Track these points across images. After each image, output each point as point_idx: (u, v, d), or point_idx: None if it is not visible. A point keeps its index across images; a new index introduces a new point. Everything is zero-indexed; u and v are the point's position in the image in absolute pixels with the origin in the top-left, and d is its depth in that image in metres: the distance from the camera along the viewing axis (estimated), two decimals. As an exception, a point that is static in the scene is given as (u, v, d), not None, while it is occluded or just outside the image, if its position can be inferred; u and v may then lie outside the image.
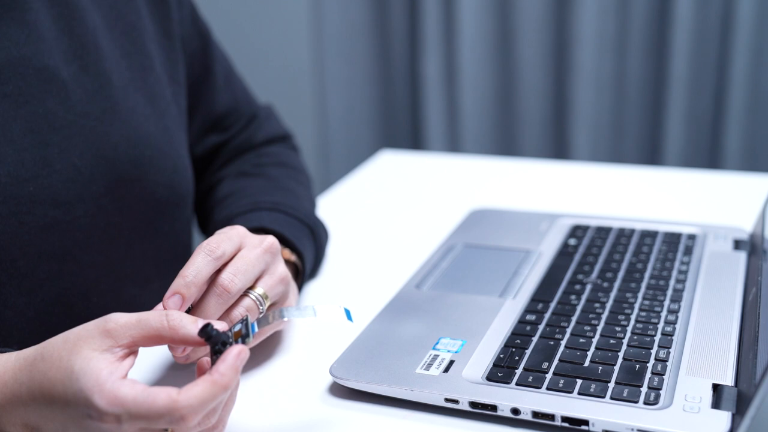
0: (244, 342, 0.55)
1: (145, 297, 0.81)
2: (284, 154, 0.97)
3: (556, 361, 0.65)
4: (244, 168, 0.93)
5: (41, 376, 0.53)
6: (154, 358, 0.70)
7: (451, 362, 0.66)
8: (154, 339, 0.54)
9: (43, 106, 0.72)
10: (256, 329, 0.56)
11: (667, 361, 0.65)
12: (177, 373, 0.69)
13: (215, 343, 0.54)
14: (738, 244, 0.87)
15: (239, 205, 0.83)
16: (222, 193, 0.89)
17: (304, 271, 0.80)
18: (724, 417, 0.57)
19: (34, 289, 0.72)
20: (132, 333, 0.53)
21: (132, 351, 0.54)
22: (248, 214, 0.80)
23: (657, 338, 0.68)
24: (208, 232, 0.97)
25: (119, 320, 0.54)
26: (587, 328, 0.70)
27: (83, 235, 0.74)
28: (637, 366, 0.64)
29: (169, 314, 0.54)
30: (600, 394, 0.60)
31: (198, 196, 0.94)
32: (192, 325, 0.54)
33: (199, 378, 0.52)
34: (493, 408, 0.61)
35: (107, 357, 0.52)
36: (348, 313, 0.60)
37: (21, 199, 0.69)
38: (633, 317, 0.72)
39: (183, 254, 0.88)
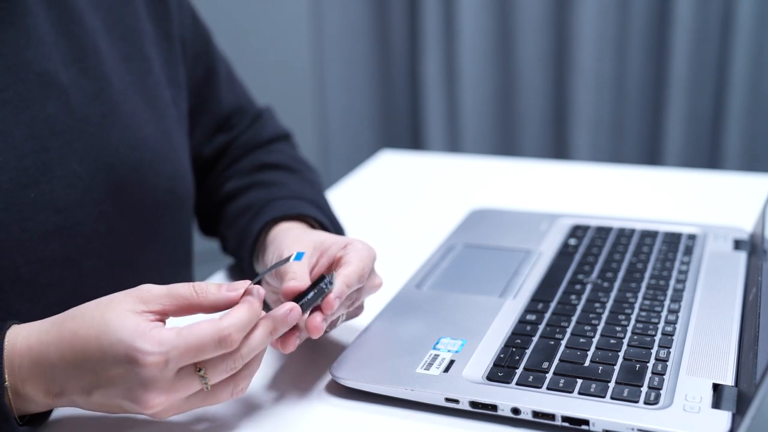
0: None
1: None
2: (292, 152, 0.97)
3: (556, 361, 0.65)
4: (266, 160, 0.92)
5: (71, 334, 0.55)
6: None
7: (452, 362, 0.66)
8: (184, 308, 0.57)
9: (43, 111, 0.71)
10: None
11: (667, 360, 0.65)
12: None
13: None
14: (738, 244, 0.87)
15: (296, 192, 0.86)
16: (264, 179, 0.89)
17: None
18: (724, 417, 0.57)
19: (37, 295, 0.71)
20: (163, 301, 0.57)
21: (161, 320, 0.57)
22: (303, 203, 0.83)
23: (657, 338, 0.68)
24: (211, 232, 0.97)
25: (151, 289, 0.57)
26: (587, 327, 0.70)
27: (85, 241, 0.74)
28: (638, 366, 0.64)
29: (196, 284, 0.58)
30: (600, 394, 0.60)
31: (202, 196, 0.94)
32: (217, 291, 0.58)
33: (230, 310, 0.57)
34: (494, 408, 0.61)
35: (140, 317, 0.55)
36: (299, 255, 0.65)
37: (23, 206, 0.69)
38: (633, 317, 0.72)
39: (183, 259, 0.88)
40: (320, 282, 0.63)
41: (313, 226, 0.80)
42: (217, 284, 0.59)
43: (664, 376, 0.62)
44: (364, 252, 0.68)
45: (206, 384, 0.56)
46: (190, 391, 0.56)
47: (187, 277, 0.90)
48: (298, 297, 0.63)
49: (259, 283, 0.61)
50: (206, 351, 0.55)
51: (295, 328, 0.62)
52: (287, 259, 0.64)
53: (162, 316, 0.57)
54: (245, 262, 0.81)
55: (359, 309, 0.72)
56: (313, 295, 0.63)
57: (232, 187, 0.90)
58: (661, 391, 0.61)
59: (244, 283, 0.59)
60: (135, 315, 0.55)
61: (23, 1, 0.71)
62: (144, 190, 0.79)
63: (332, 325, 0.68)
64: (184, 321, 0.58)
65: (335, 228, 0.83)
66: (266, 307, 0.63)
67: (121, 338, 0.54)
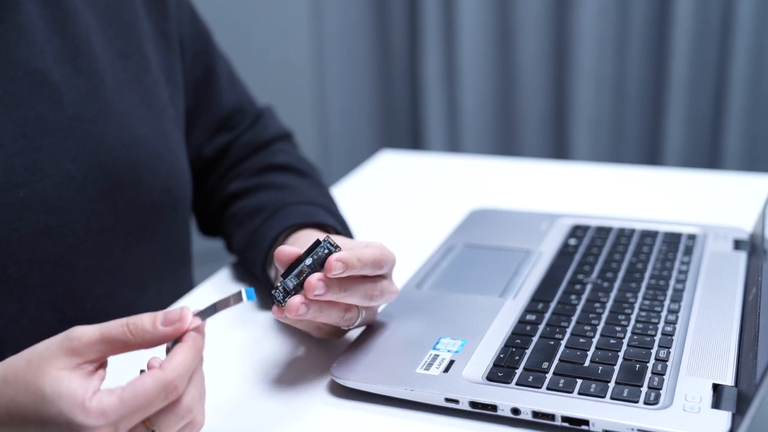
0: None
1: (142, 302, 0.80)
2: (296, 153, 0.97)
3: (556, 361, 0.65)
4: (272, 161, 0.92)
5: (8, 400, 0.51)
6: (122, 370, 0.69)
7: (452, 362, 0.66)
8: (119, 349, 0.53)
9: (34, 109, 0.71)
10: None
11: (667, 361, 0.65)
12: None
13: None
14: (738, 244, 0.87)
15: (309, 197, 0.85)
16: (273, 181, 0.89)
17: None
18: (724, 417, 0.57)
19: (26, 296, 0.71)
20: (98, 348, 0.52)
21: (101, 364, 0.53)
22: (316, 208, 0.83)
23: (657, 338, 0.68)
24: (211, 232, 0.97)
25: (82, 338, 0.52)
26: (587, 328, 0.70)
27: (77, 241, 0.73)
28: (638, 366, 0.64)
29: (129, 323, 0.53)
30: (600, 394, 0.60)
31: (202, 196, 0.94)
32: (152, 329, 0.53)
33: (171, 350, 0.53)
34: (494, 408, 0.61)
35: (77, 374, 0.51)
36: (249, 292, 0.56)
37: (12, 206, 0.68)
38: (633, 317, 0.72)
39: (180, 258, 0.88)
40: (316, 247, 0.62)
41: (328, 232, 0.80)
42: (151, 318, 0.53)
43: (664, 376, 0.62)
44: (386, 249, 0.67)
45: None
46: None
47: (185, 277, 0.90)
48: (294, 264, 0.63)
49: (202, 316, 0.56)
50: (154, 406, 0.51)
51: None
52: (235, 298, 0.56)
53: (99, 361, 0.53)
54: (256, 265, 0.80)
55: (374, 313, 0.71)
56: (311, 261, 0.62)
57: (238, 187, 0.90)
58: (661, 391, 0.61)
59: (180, 312, 0.54)
60: (70, 375, 0.51)
61: None
62: (140, 190, 0.78)
63: (348, 324, 0.67)
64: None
65: (347, 234, 0.83)
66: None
67: (60, 411, 0.49)
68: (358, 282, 0.64)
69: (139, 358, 0.55)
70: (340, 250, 0.62)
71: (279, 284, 0.62)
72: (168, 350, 0.54)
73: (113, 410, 0.49)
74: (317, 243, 0.63)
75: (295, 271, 0.62)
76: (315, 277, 0.61)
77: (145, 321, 0.53)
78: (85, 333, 0.52)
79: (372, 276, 0.66)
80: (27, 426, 0.51)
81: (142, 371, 0.53)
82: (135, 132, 0.78)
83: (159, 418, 0.52)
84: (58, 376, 0.50)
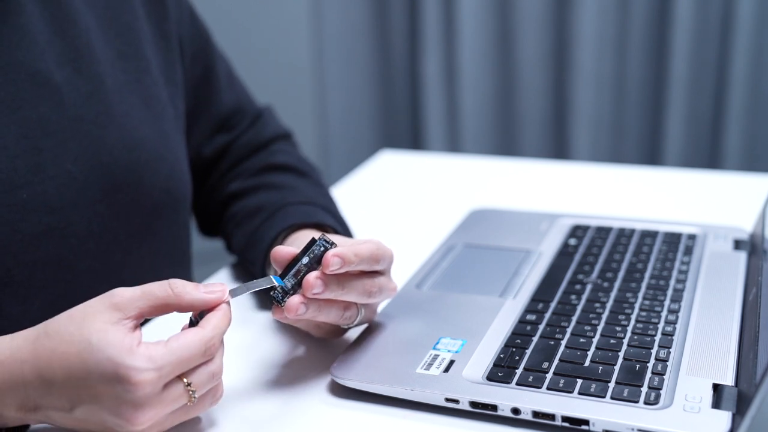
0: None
1: None
2: (296, 153, 0.97)
3: (556, 361, 0.65)
4: (272, 161, 0.92)
5: (48, 352, 0.53)
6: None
7: (452, 362, 0.66)
8: (160, 308, 0.56)
9: (36, 111, 0.71)
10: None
11: (667, 361, 0.65)
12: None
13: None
14: (738, 244, 0.87)
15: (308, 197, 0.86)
16: (273, 181, 0.89)
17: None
18: (724, 417, 0.57)
19: (29, 298, 0.71)
20: (139, 305, 0.55)
21: (138, 324, 0.56)
22: (317, 209, 0.83)
23: (657, 338, 0.68)
24: (211, 232, 0.97)
25: (124, 294, 0.55)
26: (587, 327, 0.70)
27: (78, 242, 0.73)
28: (638, 366, 0.64)
29: (172, 283, 0.56)
30: (600, 394, 0.60)
31: (202, 196, 0.94)
32: (195, 291, 0.57)
33: (207, 315, 0.57)
34: (494, 408, 0.61)
35: (120, 329, 0.54)
36: (279, 279, 0.62)
37: (14, 207, 0.68)
38: (633, 317, 0.72)
39: (181, 259, 0.88)
40: (312, 245, 0.63)
41: (327, 232, 0.80)
42: (193, 284, 0.58)
43: (664, 376, 0.62)
44: (383, 244, 0.67)
45: (193, 395, 0.56)
46: (177, 405, 0.55)
47: (184, 277, 0.89)
48: (291, 263, 0.63)
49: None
50: (194, 359, 0.55)
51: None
52: (266, 281, 0.62)
53: (139, 319, 0.56)
54: (256, 266, 0.80)
55: (373, 312, 0.71)
56: (308, 260, 0.62)
57: (238, 187, 0.90)
58: (661, 391, 0.60)
59: (222, 285, 0.59)
60: (114, 327, 0.53)
61: None
62: (140, 191, 0.78)
63: (347, 322, 0.67)
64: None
65: (347, 234, 0.83)
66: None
67: (109, 356, 0.52)
68: (356, 279, 0.64)
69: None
70: (335, 246, 0.62)
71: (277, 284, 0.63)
72: (192, 323, 0.58)
73: (160, 357, 0.53)
74: (313, 241, 0.63)
75: (293, 271, 0.62)
76: (313, 276, 0.61)
77: (188, 284, 0.57)
78: (126, 290, 0.55)
79: (370, 272, 0.66)
80: (68, 377, 0.53)
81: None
82: (135, 133, 0.78)
83: (195, 375, 0.55)
84: (103, 328, 0.53)
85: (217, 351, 0.57)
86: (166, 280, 0.57)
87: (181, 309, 0.57)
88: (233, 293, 0.59)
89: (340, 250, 0.62)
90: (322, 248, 0.62)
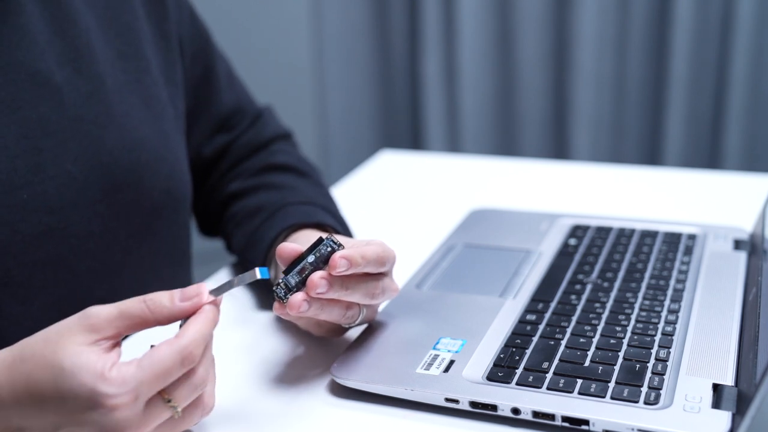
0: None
1: None
2: (296, 153, 0.97)
3: (556, 361, 0.65)
4: (272, 161, 0.92)
5: (24, 377, 0.52)
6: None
7: (452, 362, 0.66)
8: (138, 326, 0.54)
9: (36, 111, 0.71)
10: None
11: (667, 361, 0.65)
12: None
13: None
14: (738, 244, 0.87)
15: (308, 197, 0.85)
16: (273, 181, 0.89)
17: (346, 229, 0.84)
18: (724, 417, 0.57)
19: (29, 298, 0.71)
20: (116, 324, 0.53)
21: (117, 342, 0.54)
22: (317, 209, 0.83)
23: (657, 338, 0.68)
24: (211, 232, 0.97)
25: (100, 314, 0.53)
26: (587, 327, 0.70)
27: (78, 242, 0.73)
28: (638, 366, 0.64)
29: (147, 299, 0.54)
30: (600, 394, 0.60)
31: (202, 196, 0.94)
32: (170, 304, 0.55)
33: (187, 321, 0.55)
34: (494, 408, 0.61)
35: (95, 349, 0.52)
36: (263, 271, 0.59)
37: (14, 207, 0.68)
38: (633, 317, 0.72)
39: (181, 259, 0.88)
40: (319, 244, 0.62)
41: (327, 232, 0.80)
42: (169, 295, 0.55)
43: (664, 376, 0.62)
44: (387, 246, 0.67)
45: (176, 410, 0.54)
46: (161, 420, 0.54)
47: (185, 277, 0.90)
48: (296, 261, 0.63)
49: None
50: (172, 374, 0.52)
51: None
52: (250, 275, 0.59)
53: (116, 338, 0.54)
54: (256, 265, 0.80)
55: (374, 311, 0.71)
56: (314, 259, 0.62)
57: (238, 187, 0.90)
58: (661, 391, 0.61)
59: (197, 289, 0.56)
60: (89, 349, 0.52)
61: None
62: (140, 191, 0.78)
63: (349, 322, 0.67)
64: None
65: (347, 234, 0.83)
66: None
67: (82, 382, 0.50)
68: (360, 280, 0.64)
69: (153, 338, 0.55)
70: (343, 248, 0.62)
71: (281, 280, 0.62)
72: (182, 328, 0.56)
73: (132, 377, 0.51)
74: (320, 240, 0.63)
75: (297, 268, 0.62)
76: (318, 275, 0.61)
77: (163, 297, 0.55)
78: (102, 310, 0.53)
79: (374, 274, 0.66)
80: (44, 402, 0.52)
81: (152, 346, 0.54)
82: (135, 133, 0.78)
83: (175, 389, 0.53)
84: (77, 351, 0.51)
85: (200, 359, 0.54)
86: (141, 297, 0.55)
87: (161, 324, 0.55)
88: (216, 292, 0.57)
89: (348, 252, 0.62)
90: (329, 249, 0.62)
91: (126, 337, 0.57)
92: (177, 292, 0.55)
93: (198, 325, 0.54)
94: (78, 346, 0.52)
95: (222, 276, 0.88)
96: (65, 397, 0.51)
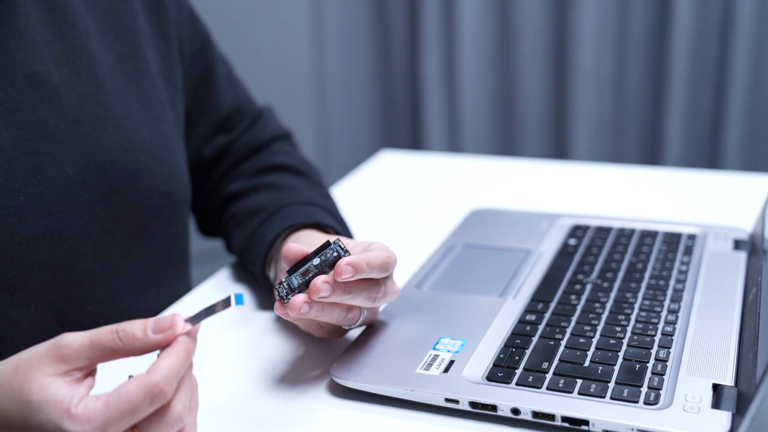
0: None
1: (141, 305, 0.80)
2: (296, 153, 0.97)
3: (556, 361, 0.65)
4: (272, 161, 0.92)
5: None
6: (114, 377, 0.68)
7: (451, 362, 0.66)
8: (110, 356, 0.52)
9: (34, 113, 0.71)
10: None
11: (667, 361, 0.65)
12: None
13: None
14: (738, 244, 0.87)
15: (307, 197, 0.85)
16: (273, 181, 0.89)
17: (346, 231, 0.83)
18: (724, 417, 0.57)
19: (27, 300, 0.70)
20: (87, 355, 0.51)
21: (90, 372, 0.53)
22: (318, 210, 0.82)
23: (657, 338, 0.68)
24: (211, 232, 0.97)
25: (71, 344, 0.51)
26: (587, 328, 0.70)
27: (77, 244, 0.73)
28: (637, 366, 0.64)
29: (120, 329, 0.52)
30: (600, 394, 0.60)
31: (202, 196, 0.94)
32: (143, 336, 0.52)
33: (159, 355, 0.52)
34: (493, 408, 0.61)
35: (65, 381, 0.50)
36: (238, 297, 0.56)
37: (12, 209, 0.68)
38: (633, 317, 0.72)
39: (179, 260, 0.88)
40: (325, 248, 0.62)
41: (327, 233, 0.80)
42: (141, 325, 0.52)
43: (664, 376, 0.62)
44: (389, 250, 0.66)
45: None
46: None
47: (183, 278, 0.90)
48: (301, 262, 0.62)
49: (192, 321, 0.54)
50: (141, 411, 0.50)
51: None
52: (223, 303, 0.55)
53: (87, 369, 0.52)
54: (255, 266, 0.80)
55: (375, 313, 0.71)
56: (319, 262, 0.62)
57: (238, 188, 0.90)
58: (660, 392, 0.61)
59: (172, 320, 0.53)
60: (57, 381, 0.50)
61: (15, 0, 0.71)
62: (138, 193, 0.78)
63: (350, 323, 0.67)
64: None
65: (346, 234, 0.83)
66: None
67: (47, 418, 0.49)
68: (362, 284, 0.64)
69: (133, 365, 0.54)
70: (349, 254, 0.62)
71: (284, 280, 0.62)
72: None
73: (98, 416, 0.49)
74: (327, 244, 0.63)
75: (301, 270, 0.62)
76: (321, 280, 0.61)
77: (135, 328, 0.52)
78: (74, 340, 0.51)
79: (377, 278, 0.66)
80: (12, 431, 0.50)
81: (130, 377, 0.52)
82: (134, 135, 0.78)
83: (148, 426, 0.51)
84: (45, 383, 0.50)
85: (174, 394, 0.52)
86: (114, 327, 0.52)
87: (134, 354, 0.52)
88: (194, 320, 0.54)
89: (353, 259, 0.61)
90: (336, 254, 0.62)
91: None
92: (151, 322, 0.52)
93: (170, 360, 0.51)
94: (46, 378, 0.50)
95: (222, 276, 0.88)
96: (33, 430, 0.49)
